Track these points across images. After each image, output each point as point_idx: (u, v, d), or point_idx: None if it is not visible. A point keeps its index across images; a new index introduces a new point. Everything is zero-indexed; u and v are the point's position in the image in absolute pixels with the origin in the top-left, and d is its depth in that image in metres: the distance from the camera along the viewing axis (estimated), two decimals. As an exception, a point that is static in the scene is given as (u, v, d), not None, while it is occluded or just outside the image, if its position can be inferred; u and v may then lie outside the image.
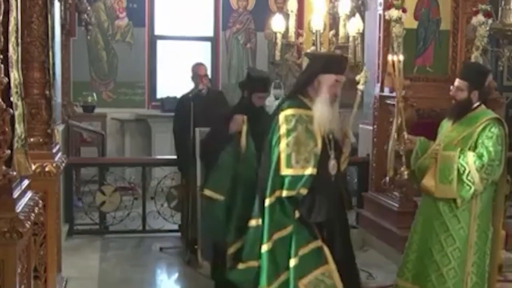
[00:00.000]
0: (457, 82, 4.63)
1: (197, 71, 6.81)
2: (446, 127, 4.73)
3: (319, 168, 3.96)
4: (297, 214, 3.98)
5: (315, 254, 4.02)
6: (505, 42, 5.58)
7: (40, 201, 3.38)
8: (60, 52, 6.73)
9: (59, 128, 7.07)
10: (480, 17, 6.38)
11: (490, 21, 6.36)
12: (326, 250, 4.04)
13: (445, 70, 7.14)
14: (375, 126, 7.39)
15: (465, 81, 4.56)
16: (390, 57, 4.67)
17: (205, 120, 6.34)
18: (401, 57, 4.63)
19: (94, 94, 10.07)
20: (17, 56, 3.10)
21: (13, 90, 2.97)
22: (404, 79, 5.16)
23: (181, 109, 6.67)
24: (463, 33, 6.95)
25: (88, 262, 6.40)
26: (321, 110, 3.98)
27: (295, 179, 3.91)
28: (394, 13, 6.73)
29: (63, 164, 4.95)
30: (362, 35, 5.81)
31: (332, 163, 4.09)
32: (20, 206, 2.98)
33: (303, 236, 4.00)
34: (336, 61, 4.19)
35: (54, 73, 4.93)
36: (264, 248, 4.00)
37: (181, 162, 6.79)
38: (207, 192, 5.00)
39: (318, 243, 4.03)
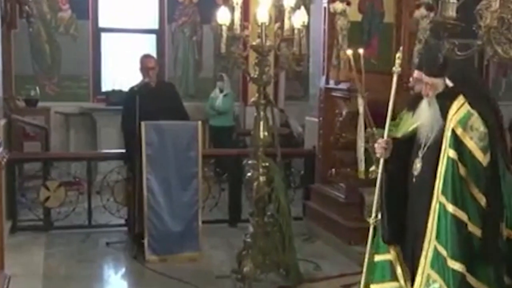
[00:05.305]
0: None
1: (144, 64, 6.74)
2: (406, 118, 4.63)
3: None
4: None
5: None
6: (445, 35, 5.67)
7: (-19, 197, 3.30)
8: (0, 44, 6.59)
9: (1, 123, 6.95)
10: (423, 11, 6.48)
11: (432, 14, 6.47)
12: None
13: (389, 62, 7.23)
14: (321, 118, 7.45)
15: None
16: (349, 52, 4.63)
17: (154, 113, 6.30)
18: (349, 51, 4.62)
19: (37, 88, 9.90)
20: (-46, 48, 3.02)
21: (-50, 83, 2.90)
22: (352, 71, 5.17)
23: (130, 102, 6.59)
24: (407, 26, 7.05)
25: (33, 258, 6.28)
26: None
27: None
28: (338, 6, 6.81)
29: (5, 160, 4.87)
30: (307, 27, 5.86)
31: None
32: (-41, 203, 2.91)
33: None
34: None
35: (-6, 66, 4.83)
36: None
37: (130, 155, 6.71)
38: None
39: None
